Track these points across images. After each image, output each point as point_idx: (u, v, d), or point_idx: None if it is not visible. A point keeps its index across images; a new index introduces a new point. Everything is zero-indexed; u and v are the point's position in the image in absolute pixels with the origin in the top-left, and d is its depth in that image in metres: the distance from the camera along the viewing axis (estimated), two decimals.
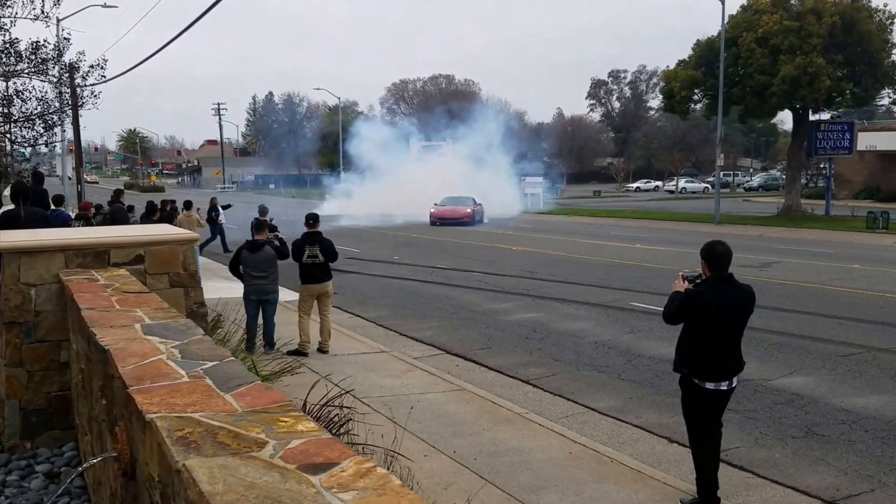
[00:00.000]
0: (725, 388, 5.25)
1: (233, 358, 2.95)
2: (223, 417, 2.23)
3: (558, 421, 7.27)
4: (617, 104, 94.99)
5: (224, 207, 21.93)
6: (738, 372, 5.30)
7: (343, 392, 6.45)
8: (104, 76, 17.82)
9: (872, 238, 25.48)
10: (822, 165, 49.25)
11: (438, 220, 32.00)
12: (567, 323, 11.66)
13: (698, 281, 5.39)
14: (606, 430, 7.13)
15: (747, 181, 73.89)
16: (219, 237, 21.11)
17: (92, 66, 17.87)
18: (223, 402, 2.38)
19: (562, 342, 10.43)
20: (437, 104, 59.64)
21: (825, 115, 36.23)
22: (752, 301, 5.30)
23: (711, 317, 5.16)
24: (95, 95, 18.80)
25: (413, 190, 35.19)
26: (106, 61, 18.13)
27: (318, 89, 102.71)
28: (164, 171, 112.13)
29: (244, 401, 2.38)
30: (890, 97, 33.71)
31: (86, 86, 18.17)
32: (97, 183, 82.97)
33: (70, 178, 30.43)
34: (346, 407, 5.81)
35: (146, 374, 2.71)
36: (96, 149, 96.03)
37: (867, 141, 43.61)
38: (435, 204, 33.05)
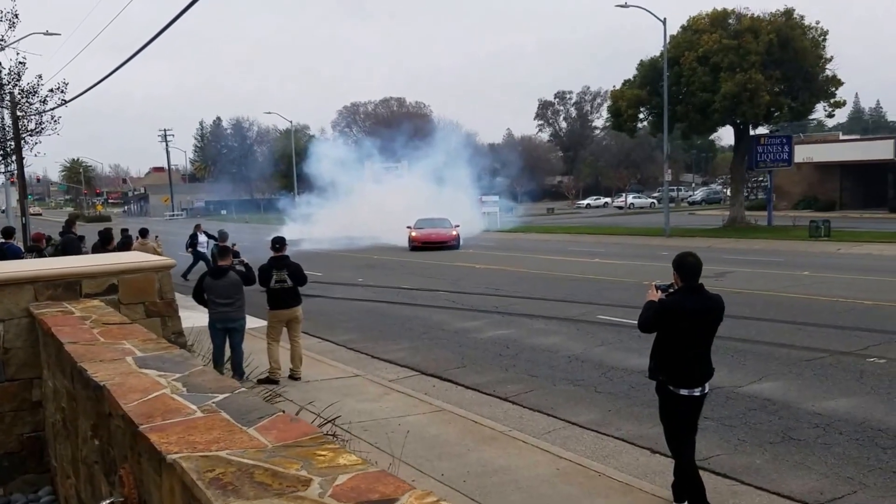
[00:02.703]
0: (698, 393, 5.42)
1: (244, 389, 2.82)
2: (254, 454, 2.10)
3: (541, 437, 7.25)
4: (564, 124, 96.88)
5: (211, 237, 21.16)
6: (708, 378, 5.46)
7: (326, 421, 6.29)
8: (64, 100, 17.27)
9: (816, 246, 26.42)
10: (760, 178, 51.03)
11: (422, 244, 29.47)
12: (539, 338, 11.69)
13: (671, 291, 5.49)
14: (589, 443, 7.14)
15: (690, 195, 76.23)
16: (192, 261, 20.55)
17: (52, 91, 17.33)
18: (248, 438, 2.25)
19: (535, 358, 10.44)
20: (391, 126, 59.62)
21: (763, 130, 37.59)
22: (722, 310, 5.46)
23: (683, 325, 5.30)
24: (55, 120, 18.21)
25: (375, 212, 34.20)
26: (66, 84, 17.63)
27: (269, 113, 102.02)
28: (110, 201, 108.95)
29: (271, 435, 2.25)
30: (825, 110, 35.16)
31: (45, 111, 17.58)
32: (40, 215, 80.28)
33: (13, 210, 29.29)
34: (332, 435, 5.66)
35: (154, 411, 2.56)
36: (38, 180, 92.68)
37: (804, 153, 45.46)
38: (409, 227, 30.93)
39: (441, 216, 31.89)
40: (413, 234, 30.29)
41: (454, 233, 30.46)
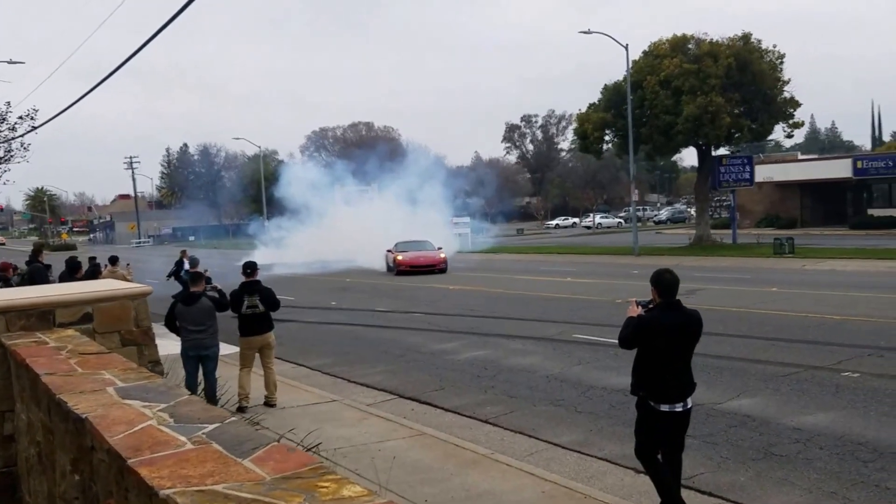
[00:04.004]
0: (680, 409, 5.44)
1: (235, 418, 2.72)
2: (252, 488, 2.00)
3: (524, 459, 7.17)
4: (531, 147, 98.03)
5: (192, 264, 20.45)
6: (689, 393, 5.48)
7: (307, 449, 6.14)
8: (34, 126, 16.93)
9: (781, 263, 26.95)
10: (723, 197, 52.09)
11: (409, 268, 28.02)
12: (516, 358, 11.66)
13: (651, 307, 5.54)
14: (572, 464, 7.08)
15: (656, 215, 77.57)
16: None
17: (21, 117, 16.98)
18: (244, 470, 2.15)
19: (514, 378, 10.39)
20: (361, 149, 59.69)
21: (724, 151, 38.41)
22: (699, 325, 5.52)
23: (662, 341, 5.36)
24: (25, 147, 17.84)
25: (348, 235, 33.75)
26: (37, 111, 17.30)
27: (238, 139, 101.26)
28: (75, 229, 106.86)
29: (268, 466, 2.16)
30: (784, 131, 36.12)
31: (14, 137, 17.21)
32: (3, 244, 78.59)
33: None
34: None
35: (142, 444, 2.44)
36: (1, 209, 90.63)
37: (764, 173, 46.55)
38: (389, 250, 29.67)
39: (420, 238, 30.77)
40: (399, 257, 28.75)
41: (442, 255, 29.11)
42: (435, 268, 28.23)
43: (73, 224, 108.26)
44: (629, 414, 6.89)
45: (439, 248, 29.97)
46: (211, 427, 2.59)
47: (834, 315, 14.13)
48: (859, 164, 45.35)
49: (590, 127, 36.35)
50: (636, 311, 5.54)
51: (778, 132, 36.97)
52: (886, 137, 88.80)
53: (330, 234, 35.60)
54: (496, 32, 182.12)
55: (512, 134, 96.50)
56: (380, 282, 26.45)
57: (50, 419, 3.32)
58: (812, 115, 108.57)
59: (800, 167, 50.33)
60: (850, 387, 8.96)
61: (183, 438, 2.49)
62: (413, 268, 27.99)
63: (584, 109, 37.96)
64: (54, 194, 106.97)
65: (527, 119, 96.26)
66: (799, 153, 68.23)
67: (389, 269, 29.74)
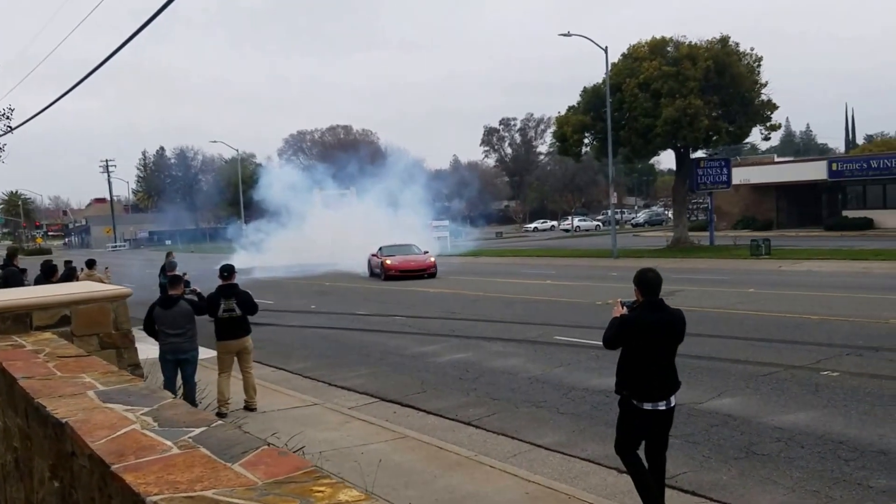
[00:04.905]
0: (663, 407, 5.45)
1: (222, 422, 2.65)
2: (243, 493, 1.94)
3: (507, 461, 7.17)
4: (509, 150, 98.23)
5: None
6: (673, 392, 5.49)
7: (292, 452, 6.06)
8: (10, 126, 16.57)
9: (758, 264, 27.26)
10: (700, 200, 52.66)
11: (399, 273, 27.18)
12: (498, 361, 11.65)
13: (635, 306, 5.56)
14: (556, 465, 7.08)
15: (633, 218, 78.19)
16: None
17: None
18: (235, 475, 2.09)
19: (496, 380, 10.38)
20: (339, 153, 59.50)
21: (702, 153, 38.81)
22: (682, 324, 5.55)
23: (644, 340, 5.38)
24: (0, 148, 17.44)
25: (327, 238, 33.43)
26: (12, 110, 16.91)
27: (215, 142, 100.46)
28: (50, 233, 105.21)
29: (260, 471, 2.10)
30: (761, 133, 36.57)
31: None
32: None
33: None
34: None
35: (126, 449, 2.37)
36: None
37: (741, 175, 47.18)
38: (374, 254, 28.94)
39: (404, 242, 30.24)
40: (388, 261, 27.81)
41: (431, 260, 28.47)
42: (425, 272, 27.60)
43: (48, 228, 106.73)
44: (611, 415, 6.91)
45: (426, 252, 29.43)
46: (197, 431, 2.53)
47: (812, 315, 14.31)
48: (834, 167, 46.14)
49: (569, 130, 36.53)
50: (620, 311, 5.56)
51: (755, 134, 37.48)
52: (860, 140, 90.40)
53: (309, 237, 35.32)
54: (476, 35, 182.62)
55: (490, 137, 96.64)
56: (361, 285, 26.33)
57: (28, 424, 3.23)
58: (787, 118, 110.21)
59: (776, 169, 51.08)
60: (829, 386, 9.06)
61: (169, 443, 2.42)
62: (403, 272, 27.26)
63: (563, 112, 38.14)
64: (29, 198, 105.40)
65: (505, 122, 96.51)
66: (775, 156, 69.21)
67: (373, 273, 29.07)
